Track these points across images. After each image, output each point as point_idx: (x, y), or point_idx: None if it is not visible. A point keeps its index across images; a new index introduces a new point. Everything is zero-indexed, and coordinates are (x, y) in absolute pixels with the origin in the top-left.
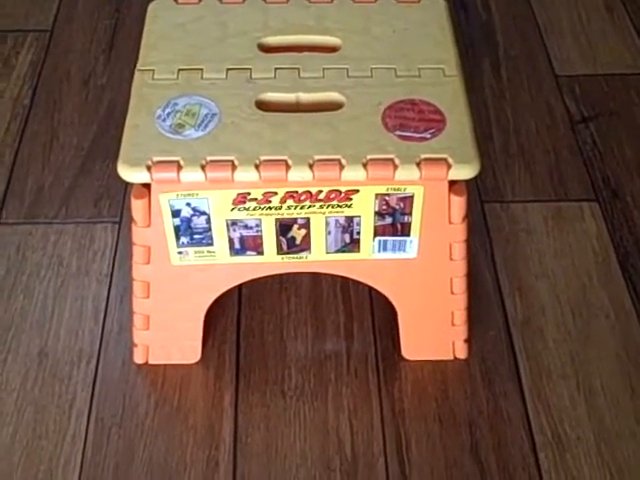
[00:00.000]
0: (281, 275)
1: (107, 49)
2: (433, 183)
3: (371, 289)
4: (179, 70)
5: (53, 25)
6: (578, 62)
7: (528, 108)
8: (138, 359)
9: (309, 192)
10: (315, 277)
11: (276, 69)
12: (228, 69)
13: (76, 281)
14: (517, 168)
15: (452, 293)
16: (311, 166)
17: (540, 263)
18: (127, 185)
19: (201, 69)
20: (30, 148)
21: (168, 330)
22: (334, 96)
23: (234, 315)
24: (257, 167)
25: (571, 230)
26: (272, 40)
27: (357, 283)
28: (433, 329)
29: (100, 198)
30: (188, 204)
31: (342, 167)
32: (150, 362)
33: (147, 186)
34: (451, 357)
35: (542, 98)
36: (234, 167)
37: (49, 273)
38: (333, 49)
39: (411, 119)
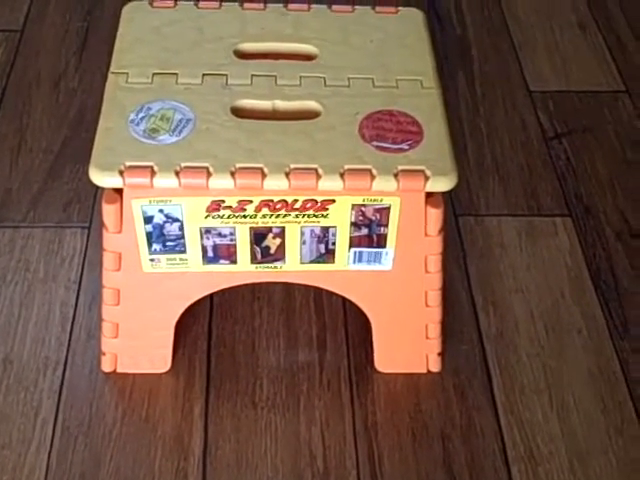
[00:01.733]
0: (254, 284)
1: (78, 51)
2: (410, 195)
3: (345, 300)
4: (153, 74)
5: (24, 25)
6: (551, 78)
7: (502, 123)
8: (106, 367)
9: (285, 201)
10: (288, 287)
11: (252, 76)
12: (204, 74)
13: (43, 287)
14: (491, 182)
15: (427, 306)
16: (287, 175)
17: (514, 277)
18: (97, 190)
19: (176, 74)
20: None
21: (137, 338)
22: (311, 105)
23: (205, 324)
24: (232, 174)
25: (544, 245)
26: (248, 46)
27: (331, 294)
28: (407, 342)
29: (69, 202)
30: (161, 210)
31: (319, 176)
32: (118, 371)
33: (119, 191)
34: (424, 370)
35: (516, 113)
36: (209, 174)
37: (15, 278)
38: (310, 57)
39: (389, 130)
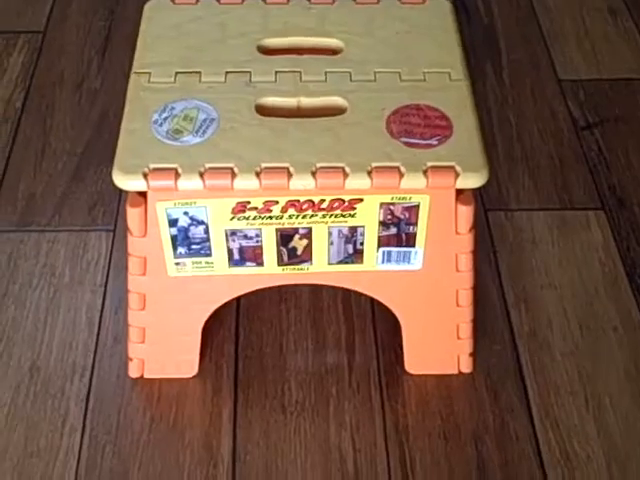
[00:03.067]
0: (280, 286)
1: (101, 51)
2: (440, 192)
3: (373, 300)
4: (176, 73)
5: (46, 26)
6: (582, 67)
7: (532, 113)
8: (133, 373)
9: (311, 201)
10: (315, 288)
11: (276, 72)
12: (227, 72)
13: (69, 291)
14: (521, 175)
15: (458, 305)
16: (314, 174)
17: (546, 273)
18: (122, 192)
19: (199, 72)
20: (22, 153)
21: (164, 343)
22: (337, 101)
23: (232, 327)
24: (258, 175)
25: (577, 239)
26: (272, 42)
27: (359, 294)
28: (438, 342)
29: (94, 205)
30: (186, 213)
31: (346, 175)
32: (146, 376)
33: (143, 194)
34: (456, 371)
35: (546, 103)
36: (234, 175)
37: (41, 283)
38: (335, 52)
39: (417, 125)
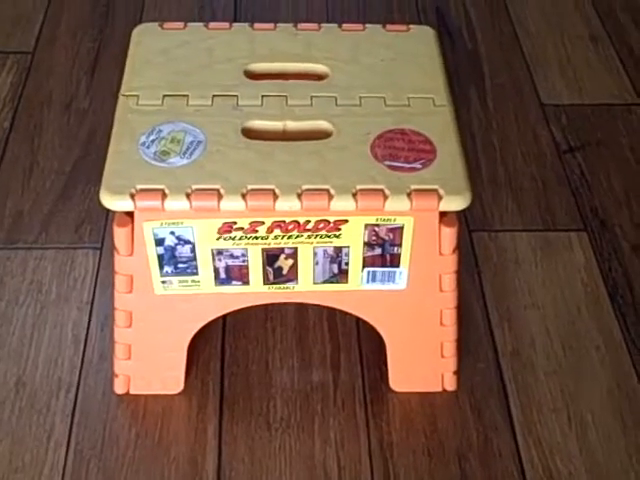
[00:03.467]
0: (266, 304)
1: (89, 72)
2: (423, 214)
3: (359, 319)
4: (164, 96)
5: (35, 47)
6: (564, 92)
7: (515, 137)
8: (119, 389)
9: (297, 222)
10: (301, 306)
11: (263, 96)
12: (214, 95)
13: (56, 308)
14: (505, 197)
15: (442, 325)
16: (299, 196)
17: (529, 293)
18: (109, 210)
19: (186, 95)
20: (9, 172)
21: (150, 360)
22: (322, 125)
23: (218, 344)
24: (244, 196)
25: (560, 260)
26: (259, 67)
27: (344, 312)
28: (422, 361)
29: (81, 223)
30: (172, 233)
31: (331, 197)
32: (131, 392)
33: (130, 214)
34: (440, 389)
35: (529, 127)
36: (220, 196)
37: (28, 299)
38: (320, 77)
39: (401, 149)
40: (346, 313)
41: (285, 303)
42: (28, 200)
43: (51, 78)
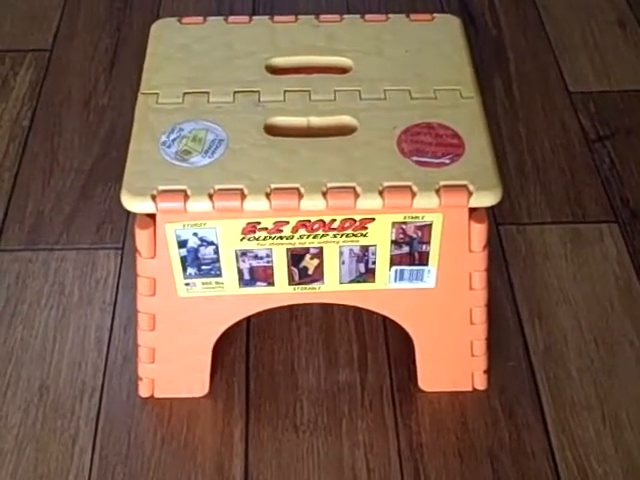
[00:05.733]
0: (291, 304)
1: (108, 68)
2: (453, 211)
3: (385, 317)
4: (184, 94)
5: (53, 44)
6: (592, 78)
7: (542, 127)
8: (143, 393)
9: (322, 221)
10: (326, 305)
11: (285, 92)
12: (235, 92)
13: (78, 310)
14: (533, 189)
15: (472, 323)
16: (324, 194)
17: (560, 288)
18: (130, 211)
19: (207, 92)
20: (29, 171)
21: (175, 363)
22: (347, 120)
23: (243, 345)
24: (268, 196)
25: (590, 253)
26: (281, 61)
27: (371, 311)
28: (451, 360)
29: (102, 223)
30: (195, 234)
31: (357, 195)
32: (156, 396)
33: (152, 215)
34: (470, 388)
35: (556, 116)
36: (243, 196)
37: (50, 302)
38: (344, 70)
39: (428, 144)
40: (373, 312)
41: (310, 302)
42: (49, 200)
43: (70, 75)
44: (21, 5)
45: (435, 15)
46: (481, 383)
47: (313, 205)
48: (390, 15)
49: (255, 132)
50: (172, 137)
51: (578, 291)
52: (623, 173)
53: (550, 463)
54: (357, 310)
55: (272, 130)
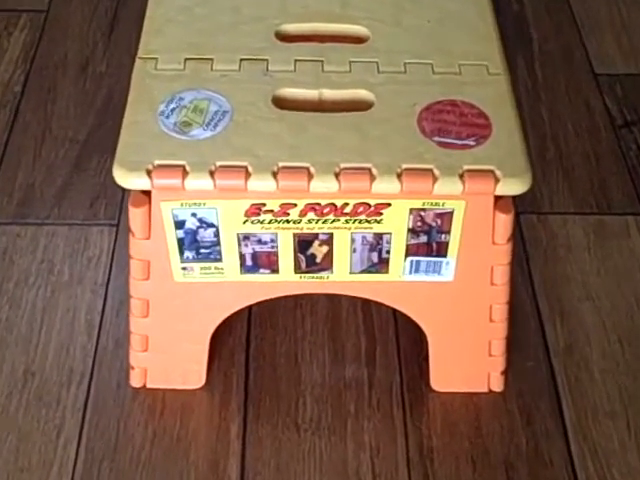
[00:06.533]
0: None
1: (107, 33)
2: (477, 198)
3: (396, 309)
4: (186, 60)
5: (49, 5)
6: (619, 60)
7: (566, 110)
8: (135, 382)
9: (333, 205)
10: (334, 294)
11: (296, 61)
12: (242, 59)
13: (68, 290)
14: (555, 176)
15: (491, 321)
16: (337, 175)
17: (583, 284)
18: None
19: (211, 59)
20: (20, 141)
21: (169, 352)
22: (362, 94)
23: (243, 335)
24: (274, 175)
25: (616, 246)
26: (291, 28)
27: (381, 303)
28: (467, 359)
29: (96, 198)
30: (194, 214)
31: (373, 178)
32: (148, 386)
33: (147, 193)
34: (486, 390)
35: (581, 99)
36: (248, 174)
37: (38, 281)
38: (360, 40)
39: (452, 123)
40: (383, 303)
41: (317, 293)
42: (40, 172)
43: (66, 39)
44: None
45: None
46: (498, 385)
47: (325, 187)
48: None
49: (262, 104)
50: (171, 107)
51: (602, 287)
52: None
53: (569, 473)
54: (366, 300)
55: (281, 103)
